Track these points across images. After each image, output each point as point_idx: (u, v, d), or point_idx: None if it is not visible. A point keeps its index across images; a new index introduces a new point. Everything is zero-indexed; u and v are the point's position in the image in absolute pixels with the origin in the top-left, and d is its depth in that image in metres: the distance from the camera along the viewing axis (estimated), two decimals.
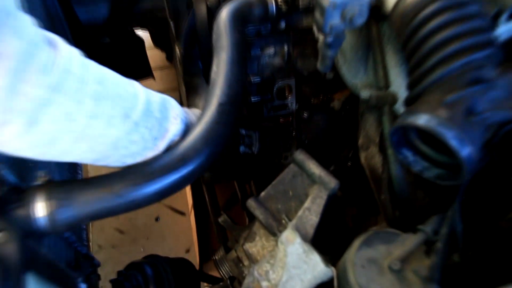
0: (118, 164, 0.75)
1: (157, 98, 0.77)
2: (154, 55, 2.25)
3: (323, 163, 1.40)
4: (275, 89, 1.24)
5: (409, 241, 0.72)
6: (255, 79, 1.21)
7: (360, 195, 1.87)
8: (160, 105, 0.76)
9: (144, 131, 0.72)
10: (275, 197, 0.88)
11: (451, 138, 0.58)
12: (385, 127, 0.79)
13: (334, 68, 1.07)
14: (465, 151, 0.59)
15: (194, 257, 1.84)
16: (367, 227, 1.39)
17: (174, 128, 0.77)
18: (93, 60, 0.66)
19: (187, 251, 1.98)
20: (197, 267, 1.75)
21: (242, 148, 1.31)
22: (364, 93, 0.99)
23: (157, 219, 2.10)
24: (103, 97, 0.64)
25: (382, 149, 1.21)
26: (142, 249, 2.00)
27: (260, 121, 1.30)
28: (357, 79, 1.00)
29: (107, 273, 2.11)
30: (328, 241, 0.97)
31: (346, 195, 1.87)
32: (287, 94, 1.28)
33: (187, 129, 0.81)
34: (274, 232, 0.83)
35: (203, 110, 0.83)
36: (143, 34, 1.93)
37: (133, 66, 2.04)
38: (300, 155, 0.87)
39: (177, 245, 2.01)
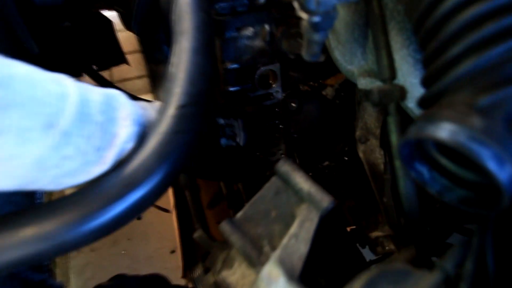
0: (54, 187, 0.58)
1: (98, 96, 0.59)
2: (129, 37, 2.03)
3: (316, 159, 1.24)
4: (256, 76, 1.05)
5: (424, 283, 0.55)
6: (232, 65, 1.02)
7: (358, 191, 1.71)
8: (103, 105, 0.58)
9: (80, 141, 0.54)
10: (254, 218, 0.71)
11: (488, 158, 0.41)
12: (391, 132, 0.62)
13: (326, 49, 0.88)
14: (506, 173, 0.42)
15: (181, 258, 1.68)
16: (367, 227, 1.24)
17: (124, 132, 0.60)
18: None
19: (173, 251, 1.83)
20: (181, 272, 1.60)
21: (224, 141, 1.13)
22: (362, 82, 0.80)
23: (139, 218, 1.94)
24: (9, 105, 0.47)
25: (384, 144, 1.04)
26: (123, 252, 1.85)
27: (242, 106, 1.11)
28: (354, 65, 0.81)
29: (86, 279, 1.98)
30: (323, 264, 0.81)
31: (342, 190, 1.70)
32: (271, 82, 1.10)
33: (144, 131, 0.64)
34: (254, 262, 0.67)
35: (158, 115, 0.65)
36: (112, 15, 1.72)
37: (102, 52, 1.83)
38: (284, 166, 0.70)
39: (161, 246, 1.86)
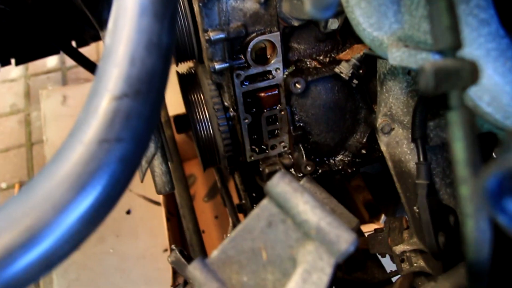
0: None
1: None
2: None
3: (327, 153, 1.00)
4: (249, 49, 0.81)
5: None
6: (217, 35, 0.78)
7: (377, 186, 1.46)
8: None
9: None
10: (237, 260, 0.48)
11: None
12: (454, 136, 0.37)
13: (340, 11, 0.63)
14: None
15: None
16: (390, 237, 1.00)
17: None
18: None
19: (165, 250, 1.64)
20: (171, 274, 1.41)
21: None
22: (396, 55, 0.56)
23: (128, 212, 1.74)
24: None
25: (415, 136, 0.80)
26: (111, 250, 1.66)
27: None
28: (383, 30, 0.56)
29: (71, 280, 1.80)
30: None
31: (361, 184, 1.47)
32: (269, 57, 0.85)
33: None
34: None
35: (81, 113, 0.41)
36: None
37: (80, 25, 1.59)
38: (280, 184, 0.46)
39: (153, 244, 1.67)
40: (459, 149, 0.36)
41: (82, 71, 2.20)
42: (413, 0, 0.54)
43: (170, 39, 0.47)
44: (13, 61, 1.66)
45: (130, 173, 0.41)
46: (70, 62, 2.37)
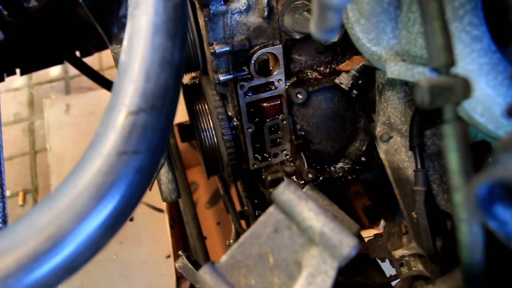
0: None
1: None
2: None
3: (328, 160, 1.02)
4: (252, 61, 0.84)
5: None
6: (221, 48, 0.81)
7: (377, 192, 1.49)
8: None
9: None
10: (245, 264, 0.51)
11: None
12: (448, 147, 0.40)
13: (342, 25, 0.66)
14: None
15: None
16: (389, 241, 1.03)
17: None
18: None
19: (168, 256, 1.66)
20: (174, 280, 1.43)
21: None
22: (394, 69, 0.59)
23: (131, 219, 1.76)
24: None
25: (413, 145, 0.83)
26: (114, 257, 1.68)
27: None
28: (381, 45, 0.59)
29: (74, 287, 1.81)
30: None
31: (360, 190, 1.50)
32: (271, 68, 0.88)
33: None
34: None
35: (100, 126, 0.44)
36: None
37: (85, 36, 1.62)
38: (286, 193, 0.49)
39: (156, 250, 1.69)
40: (453, 159, 0.39)
41: (84, 80, 2.23)
42: (409, 17, 0.57)
43: (181, 56, 0.50)
44: (18, 71, 1.70)
45: (146, 183, 0.44)
46: (73, 71, 2.41)
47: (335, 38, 0.81)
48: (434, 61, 0.41)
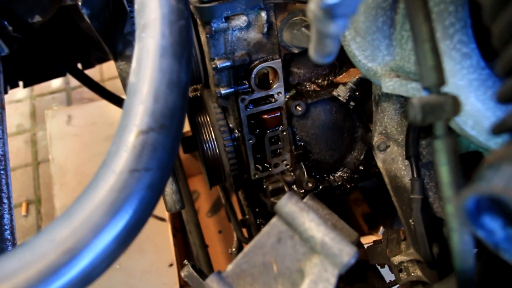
0: None
1: None
2: None
3: (327, 169, 1.05)
4: (253, 75, 0.87)
5: None
6: (223, 63, 0.84)
7: (375, 199, 1.51)
8: None
9: None
10: (250, 273, 0.53)
11: None
12: (439, 162, 0.43)
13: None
14: None
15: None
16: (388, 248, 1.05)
17: None
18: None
19: (171, 265, 1.67)
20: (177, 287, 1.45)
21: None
22: (389, 84, 0.62)
23: None
24: None
25: (409, 154, 0.85)
26: (118, 266, 1.70)
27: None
28: (376, 62, 0.62)
29: None
30: None
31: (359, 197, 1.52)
32: (271, 81, 0.91)
33: None
34: None
35: (112, 146, 0.47)
36: None
37: (86, 48, 1.65)
38: (288, 205, 0.52)
39: (158, 259, 1.70)
40: (444, 173, 0.42)
41: (86, 91, 2.26)
42: (403, 35, 0.60)
43: (187, 76, 0.53)
44: (21, 83, 1.73)
45: (156, 198, 0.46)
46: (74, 82, 2.44)
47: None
48: (425, 81, 0.44)
